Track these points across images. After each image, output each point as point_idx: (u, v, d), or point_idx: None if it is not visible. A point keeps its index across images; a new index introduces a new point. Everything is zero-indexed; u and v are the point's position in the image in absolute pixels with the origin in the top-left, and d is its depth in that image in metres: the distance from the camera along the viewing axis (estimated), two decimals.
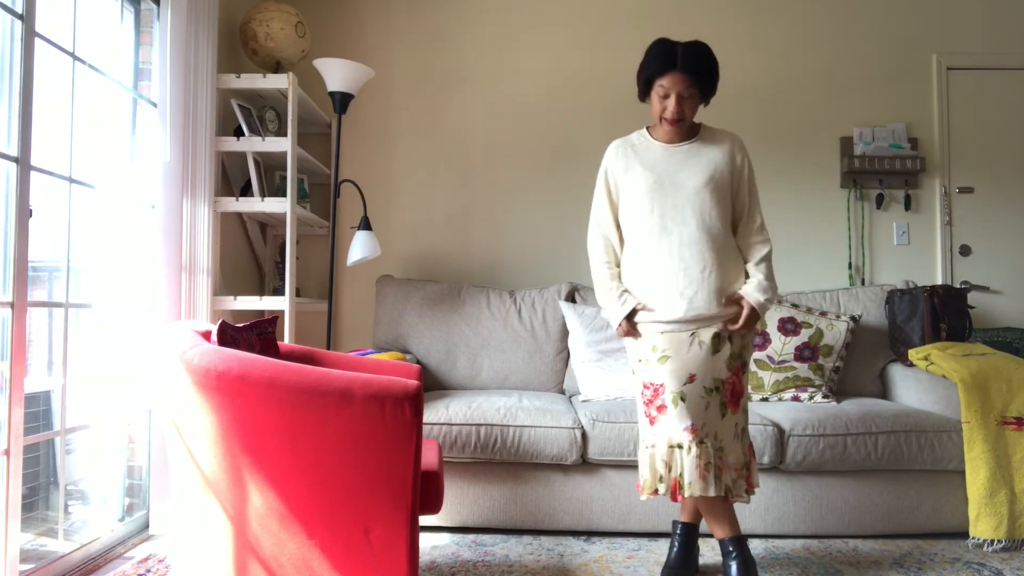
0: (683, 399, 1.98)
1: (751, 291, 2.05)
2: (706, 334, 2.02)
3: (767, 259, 2.10)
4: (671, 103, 2.03)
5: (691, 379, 2.00)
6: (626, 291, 2.12)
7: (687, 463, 1.95)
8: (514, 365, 3.18)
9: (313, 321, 3.57)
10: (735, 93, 3.63)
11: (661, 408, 2.01)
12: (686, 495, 1.95)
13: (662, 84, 2.03)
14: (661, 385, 2.02)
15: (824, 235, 3.64)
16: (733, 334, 2.03)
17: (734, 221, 2.13)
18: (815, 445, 2.50)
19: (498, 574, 2.22)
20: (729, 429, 2.01)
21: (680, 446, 1.97)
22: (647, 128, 2.20)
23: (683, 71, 2.00)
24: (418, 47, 3.66)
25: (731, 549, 2.02)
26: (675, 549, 2.18)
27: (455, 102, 3.66)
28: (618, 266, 2.18)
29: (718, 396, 2.00)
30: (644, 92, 2.13)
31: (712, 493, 1.94)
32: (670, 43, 2.05)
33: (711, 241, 2.04)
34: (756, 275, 2.08)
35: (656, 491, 2.00)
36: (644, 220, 2.09)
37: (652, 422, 2.04)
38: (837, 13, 3.68)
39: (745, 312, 2.03)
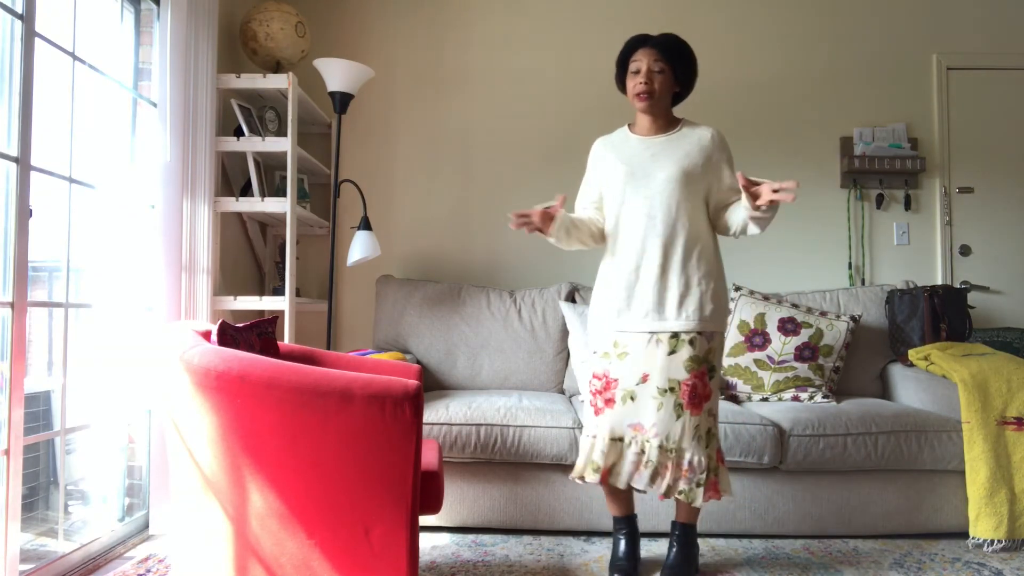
0: (632, 398, 2.04)
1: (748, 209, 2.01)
2: (664, 335, 2.05)
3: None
4: (641, 75, 2.10)
5: (644, 379, 2.04)
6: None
7: (627, 456, 2.03)
8: (514, 365, 3.18)
9: (313, 321, 3.57)
10: (735, 92, 3.63)
11: (609, 402, 2.08)
12: (611, 483, 2.04)
13: (634, 60, 2.13)
14: (615, 380, 2.08)
15: (824, 235, 3.64)
16: (696, 338, 2.04)
17: (722, 205, 2.14)
18: (815, 445, 2.50)
19: (498, 574, 2.22)
20: (688, 431, 2.00)
21: (621, 439, 2.05)
22: (628, 125, 2.26)
23: (653, 47, 2.10)
24: (418, 47, 3.66)
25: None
26: (674, 549, 2.19)
27: (455, 102, 3.65)
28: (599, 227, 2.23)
29: (672, 396, 2.01)
30: (621, 79, 2.20)
31: (641, 487, 2.01)
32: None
33: (678, 235, 2.07)
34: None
35: (582, 477, 2.08)
36: (616, 212, 2.15)
37: (597, 412, 2.10)
38: (837, 13, 3.68)
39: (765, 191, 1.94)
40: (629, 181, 2.11)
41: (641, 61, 2.09)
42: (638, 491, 2.10)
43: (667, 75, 2.10)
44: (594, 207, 2.25)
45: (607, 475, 2.05)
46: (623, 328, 2.10)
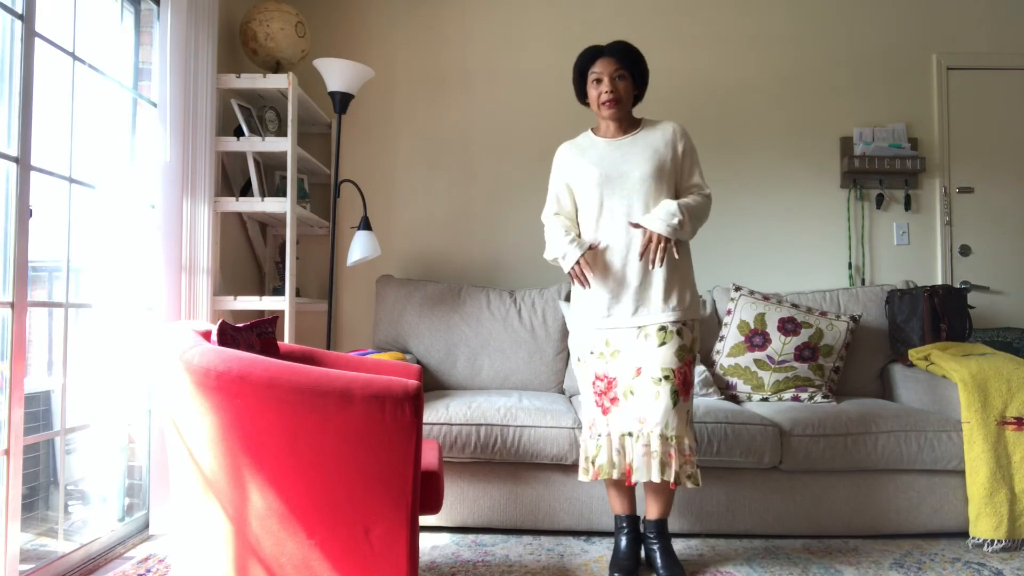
0: (632, 392, 2.11)
1: (648, 218, 2.09)
2: (652, 328, 2.12)
3: (690, 198, 2.15)
4: (604, 84, 2.17)
5: (638, 372, 2.11)
6: (575, 235, 2.21)
7: (637, 450, 2.07)
8: (514, 365, 3.18)
9: (313, 321, 3.57)
10: (735, 92, 3.63)
11: (614, 400, 2.14)
12: (634, 480, 2.06)
13: (594, 71, 2.19)
14: (614, 379, 2.15)
15: (824, 235, 3.64)
16: (682, 328, 2.12)
17: (678, 193, 2.22)
18: (815, 445, 2.50)
19: (498, 574, 2.22)
20: (683, 417, 2.08)
21: (631, 434, 2.09)
22: (591, 129, 2.33)
23: (610, 55, 2.18)
24: (418, 47, 3.66)
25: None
26: (656, 548, 2.19)
27: (455, 102, 3.65)
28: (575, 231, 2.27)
29: (668, 384, 2.06)
30: (581, 91, 2.28)
31: (656, 479, 2.04)
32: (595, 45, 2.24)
33: None
34: (665, 202, 2.10)
35: (611, 476, 2.12)
36: (594, 216, 2.19)
37: (605, 412, 2.16)
38: (837, 13, 3.68)
39: (643, 240, 2.09)
40: (604, 184, 2.17)
41: (602, 71, 2.17)
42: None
43: (628, 80, 2.19)
44: (570, 221, 2.29)
45: (630, 473, 2.08)
46: (614, 326, 2.16)
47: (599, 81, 2.17)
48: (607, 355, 2.17)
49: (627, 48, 2.19)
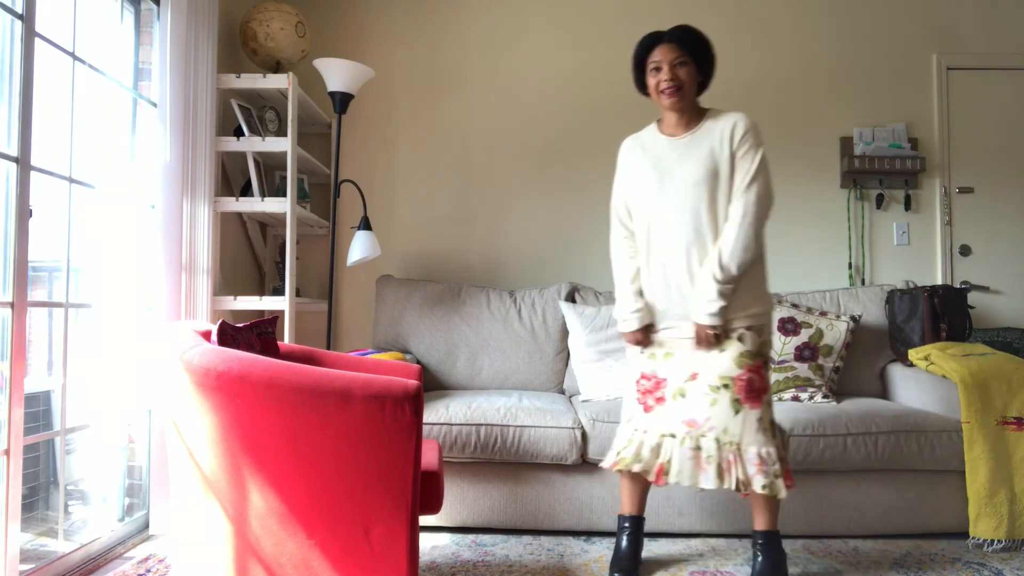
0: (683, 395, 2.04)
1: (694, 311, 2.02)
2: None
3: (730, 237, 1.98)
4: (664, 72, 2.04)
5: (693, 377, 2.04)
6: (642, 306, 2.11)
7: (678, 452, 2.02)
8: (514, 365, 3.18)
9: (313, 321, 3.57)
10: (735, 92, 3.62)
11: (660, 400, 2.08)
12: (671, 482, 2.01)
13: (653, 60, 2.07)
14: (664, 380, 2.09)
15: (824, 235, 3.64)
16: (744, 334, 2.01)
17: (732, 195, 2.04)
18: (815, 445, 2.50)
19: (498, 574, 2.22)
20: (751, 425, 1.98)
21: (673, 436, 2.04)
22: (656, 121, 2.20)
23: (669, 41, 2.05)
24: (418, 47, 3.66)
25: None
26: (759, 559, 2.11)
27: (455, 102, 3.66)
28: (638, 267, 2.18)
29: (728, 392, 1.99)
30: (640, 81, 2.14)
31: (711, 486, 1.97)
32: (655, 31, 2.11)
33: (706, 238, 2.02)
34: (704, 276, 1.99)
35: (630, 468, 2.08)
36: (648, 217, 2.11)
37: (647, 410, 2.10)
38: (838, 13, 3.68)
39: (693, 333, 2.03)
40: (658, 185, 2.07)
41: (661, 58, 2.04)
42: (704, 490, 2.09)
43: (690, 67, 2.04)
44: (627, 229, 2.20)
45: (662, 473, 2.03)
46: (669, 329, 2.10)
47: (658, 69, 2.04)
48: (659, 356, 2.10)
49: (689, 32, 2.05)
